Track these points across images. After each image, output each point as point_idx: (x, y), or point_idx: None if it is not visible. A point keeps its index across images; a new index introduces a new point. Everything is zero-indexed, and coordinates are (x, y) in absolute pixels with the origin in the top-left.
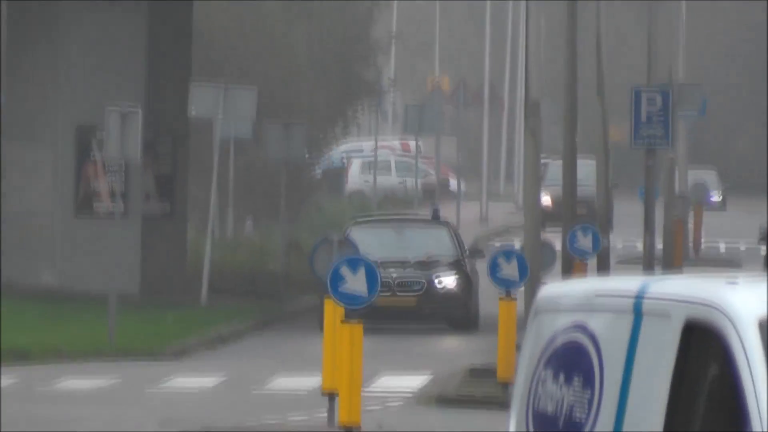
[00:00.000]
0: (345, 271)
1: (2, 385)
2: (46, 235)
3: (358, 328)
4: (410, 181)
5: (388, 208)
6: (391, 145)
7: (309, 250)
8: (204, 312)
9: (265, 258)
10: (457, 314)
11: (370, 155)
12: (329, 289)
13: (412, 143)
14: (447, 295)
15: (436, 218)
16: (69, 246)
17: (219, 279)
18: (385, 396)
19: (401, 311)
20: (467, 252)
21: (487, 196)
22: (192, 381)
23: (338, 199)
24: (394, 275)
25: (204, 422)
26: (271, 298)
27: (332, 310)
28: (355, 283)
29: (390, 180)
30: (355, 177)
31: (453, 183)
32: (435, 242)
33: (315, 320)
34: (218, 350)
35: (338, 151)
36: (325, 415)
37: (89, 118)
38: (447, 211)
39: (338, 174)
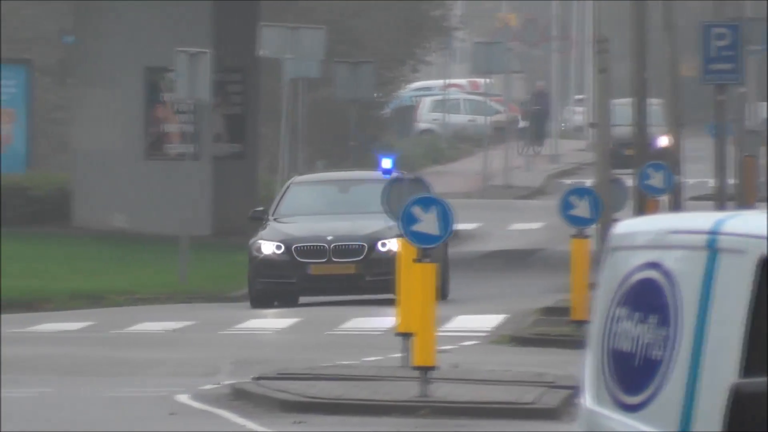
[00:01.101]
0: (417, 210)
1: (75, 328)
2: (117, 177)
3: (430, 268)
4: (479, 120)
5: (458, 146)
6: (459, 83)
7: (381, 189)
8: None
9: None
10: None
11: (439, 94)
12: (401, 228)
13: (480, 81)
14: (393, 259)
15: (387, 174)
16: (140, 188)
17: None
18: (459, 336)
19: (339, 280)
20: None
21: (557, 134)
22: (265, 323)
23: (408, 138)
24: (329, 238)
25: (278, 364)
26: None
27: (405, 250)
28: (428, 222)
29: (459, 118)
30: (425, 116)
31: (522, 121)
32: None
33: None
34: None
35: (408, 90)
36: (400, 355)
37: (158, 59)
38: (517, 149)
39: (408, 113)
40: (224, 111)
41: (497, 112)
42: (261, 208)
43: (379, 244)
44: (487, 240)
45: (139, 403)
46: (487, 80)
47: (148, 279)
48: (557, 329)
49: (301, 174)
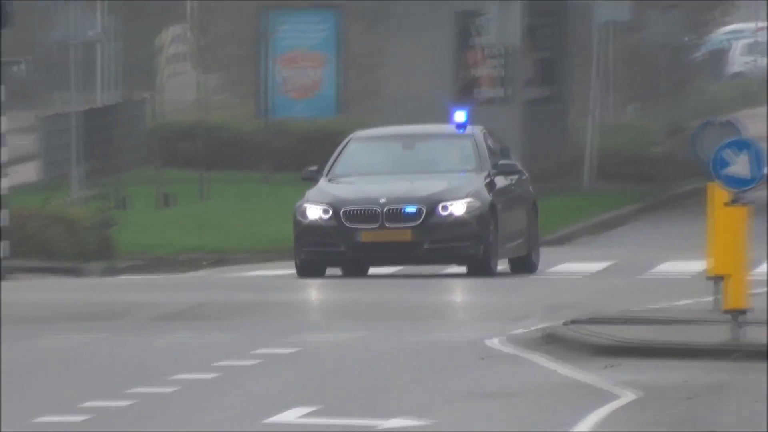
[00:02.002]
0: (728, 154)
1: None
2: (428, 122)
3: (742, 211)
4: None
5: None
6: None
7: (691, 133)
8: (586, 197)
9: (648, 142)
10: (470, 251)
11: (752, 37)
12: (712, 172)
13: None
14: (455, 225)
15: (460, 128)
16: None
17: (601, 163)
18: None
19: (393, 248)
20: (494, 170)
21: None
22: (576, 267)
23: (720, 82)
24: (382, 201)
25: (589, 308)
26: (654, 182)
27: (716, 194)
28: (739, 166)
29: None
30: (737, 59)
31: None
32: (454, 159)
33: (699, 204)
34: (602, 235)
35: (719, 33)
36: (712, 299)
37: (469, 4)
38: None
39: (720, 56)
40: (535, 55)
41: None
42: (314, 168)
43: (439, 208)
44: None
45: (450, 347)
46: None
47: None
48: None
49: (607, 118)
